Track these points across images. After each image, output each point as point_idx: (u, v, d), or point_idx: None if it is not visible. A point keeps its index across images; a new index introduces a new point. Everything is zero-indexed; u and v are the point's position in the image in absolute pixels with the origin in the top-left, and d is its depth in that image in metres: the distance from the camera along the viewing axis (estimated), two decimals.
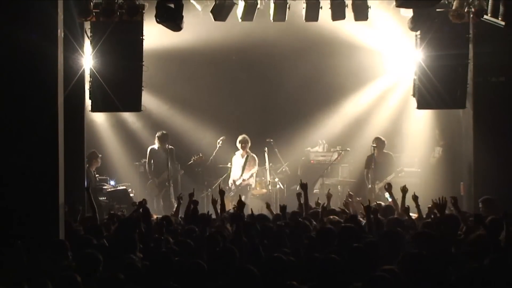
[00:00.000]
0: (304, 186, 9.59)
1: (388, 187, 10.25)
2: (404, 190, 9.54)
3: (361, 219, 8.60)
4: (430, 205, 8.81)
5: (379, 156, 13.26)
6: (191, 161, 14.07)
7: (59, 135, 8.25)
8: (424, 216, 9.14)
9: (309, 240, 7.24)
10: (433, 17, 11.67)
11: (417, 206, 9.41)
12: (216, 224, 8.62)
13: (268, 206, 10.35)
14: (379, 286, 5.41)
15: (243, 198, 13.27)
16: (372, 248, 6.55)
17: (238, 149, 13.97)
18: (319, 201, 9.89)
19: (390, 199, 10.37)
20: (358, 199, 10.88)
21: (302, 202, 9.61)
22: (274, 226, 8.02)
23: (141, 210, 8.23)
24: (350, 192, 10.68)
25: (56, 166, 8.15)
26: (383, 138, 13.44)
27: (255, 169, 13.83)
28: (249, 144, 13.83)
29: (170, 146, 13.76)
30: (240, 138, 13.86)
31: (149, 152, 13.91)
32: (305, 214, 9.06)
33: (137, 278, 6.01)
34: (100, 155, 13.27)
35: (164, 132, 13.89)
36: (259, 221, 8.18)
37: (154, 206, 13.26)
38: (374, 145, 13.23)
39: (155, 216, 9.81)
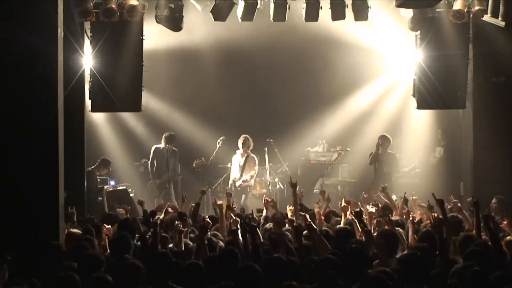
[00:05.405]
0: (294, 186, 9.30)
1: (383, 190, 9.96)
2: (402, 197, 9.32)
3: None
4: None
5: (382, 154, 13.16)
6: (193, 165, 14.01)
7: (59, 135, 8.25)
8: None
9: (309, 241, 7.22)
10: (433, 17, 11.68)
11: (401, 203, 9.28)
12: (217, 225, 8.63)
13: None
14: (376, 287, 5.38)
15: (243, 198, 13.42)
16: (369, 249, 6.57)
17: (239, 149, 13.91)
18: (319, 204, 9.81)
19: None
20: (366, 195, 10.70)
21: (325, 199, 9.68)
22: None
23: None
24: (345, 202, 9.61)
25: (56, 166, 8.16)
26: (388, 136, 13.27)
27: (255, 171, 13.71)
28: (251, 144, 13.58)
29: (174, 148, 13.74)
30: (241, 138, 13.69)
31: (153, 151, 13.75)
32: (296, 218, 8.72)
33: (136, 278, 6.00)
34: (110, 169, 13.36)
35: (172, 133, 13.77)
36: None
37: (155, 207, 13.24)
38: (380, 142, 13.10)
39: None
